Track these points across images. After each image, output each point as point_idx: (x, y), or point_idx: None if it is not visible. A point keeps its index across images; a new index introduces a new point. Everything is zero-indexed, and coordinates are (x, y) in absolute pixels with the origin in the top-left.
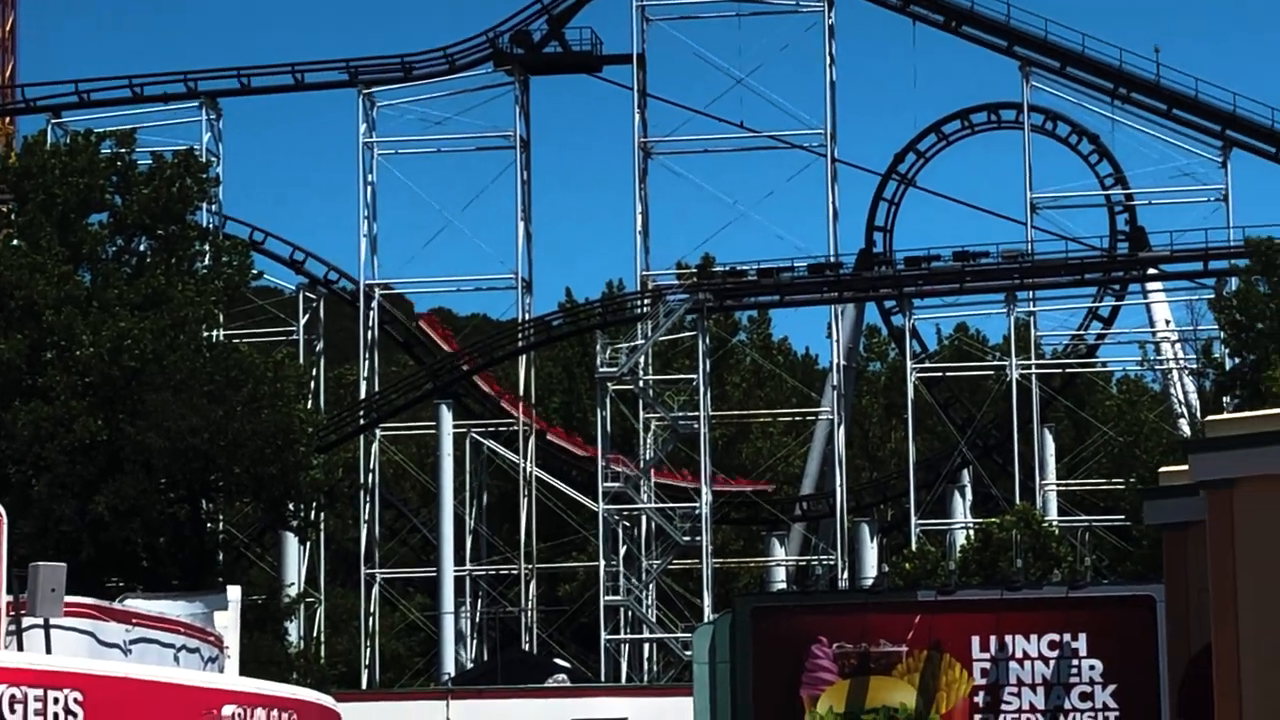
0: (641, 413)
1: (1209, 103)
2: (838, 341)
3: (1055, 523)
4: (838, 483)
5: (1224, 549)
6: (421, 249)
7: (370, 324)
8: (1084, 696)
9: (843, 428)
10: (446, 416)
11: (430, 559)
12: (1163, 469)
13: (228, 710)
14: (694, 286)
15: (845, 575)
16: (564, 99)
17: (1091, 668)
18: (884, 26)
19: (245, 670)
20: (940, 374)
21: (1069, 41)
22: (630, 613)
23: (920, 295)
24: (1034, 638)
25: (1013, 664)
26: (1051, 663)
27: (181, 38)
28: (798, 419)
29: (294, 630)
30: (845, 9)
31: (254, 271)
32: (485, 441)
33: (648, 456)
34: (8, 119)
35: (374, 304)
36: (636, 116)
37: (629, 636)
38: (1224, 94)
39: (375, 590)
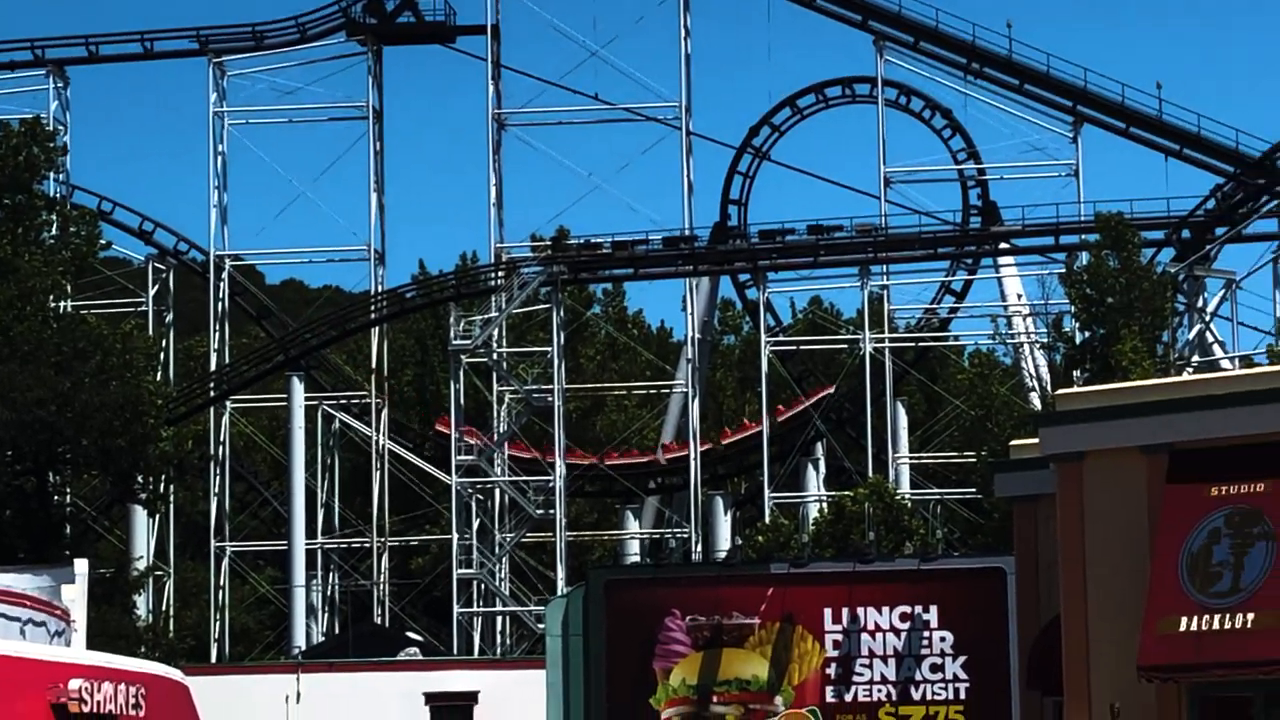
0: (495, 385)
1: (1060, 78)
2: (692, 315)
3: (907, 495)
4: (692, 455)
5: (1073, 521)
6: (273, 220)
7: (220, 295)
8: (935, 668)
9: (697, 401)
10: (298, 388)
11: (281, 532)
12: (1013, 442)
13: (75, 684)
14: (548, 259)
15: (699, 548)
16: (417, 69)
17: (942, 639)
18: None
19: (93, 644)
20: (794, 347)
21: (923, 16)
22: (483, 585)
23: (774, 269)
24: (885, 610)
25: (864, 636)
26: (903, 634)
27: (28, 4)
28: (652, 392)
29: (143, 604)
30: None
31: (102, 242)
32: (337, 414)
33: (501, 429)
34: None
35: (224, 275)
36: (490, 88)
37: (482, 609)
38: (1075, 70)
39: (225, 563)
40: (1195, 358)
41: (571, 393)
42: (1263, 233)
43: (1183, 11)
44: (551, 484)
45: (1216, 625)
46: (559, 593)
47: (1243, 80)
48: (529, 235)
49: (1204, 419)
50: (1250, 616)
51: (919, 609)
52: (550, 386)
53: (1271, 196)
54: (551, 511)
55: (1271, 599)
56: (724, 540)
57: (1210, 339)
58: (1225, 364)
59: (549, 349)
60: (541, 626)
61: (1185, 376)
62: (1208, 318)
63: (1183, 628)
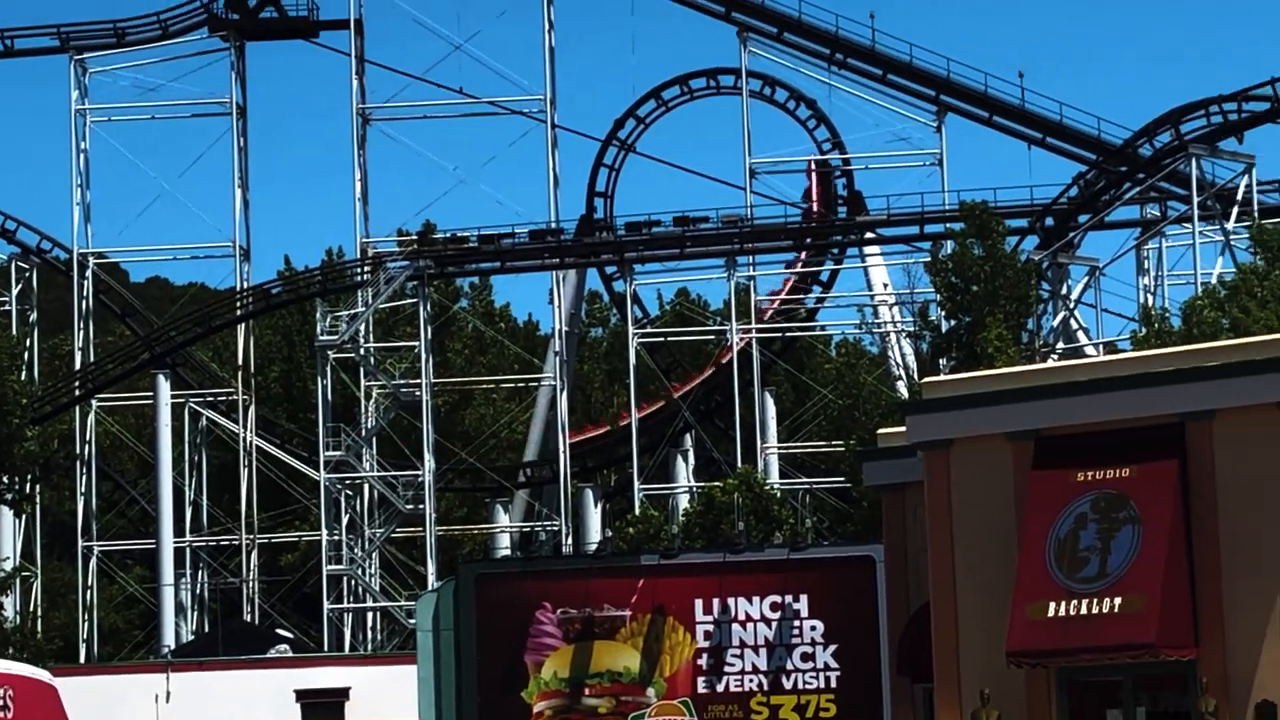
0: (363, 381)
1: (923, 68)
2: (559, 308)
3: (776, 485)
4: (561, 448)
5: (941, 508)
6: (137, 217)
7: (85, 294)
8: (805, 657)
9: (565, 394)
10: (164, 386)
11: (149, 531)
12: (881, 431)
13: None
14: (415, 253)
15: (569, 541)
16: (281, 65)
17: (813, 628)
18: None
19: None
20: (662, 339)
21: (786, 7)
22: (353, 582)
23: (641, 261)
24: (756, 600)
25: (735, 626)
26: (773, 624)
27: None
28: (520, 385)
29: (9, 605)
30: None
31: None
32: (204, 411)
33: (369, 425)
34: None
35: (88, 273)
36: (354, 82)
37: (352, 605)
38: (938, 59)
39: (93, 563)
40: (1060, 345)
41: (439, 387)
42: (1125, 220)
43: (1042, 3)
44: (421, 479)
45: (1084, 610)
46: (429, 587)
47: (1104, 68)
48: (395, 230)
49: (1069, 405)
50: (1118, 601)
51: (789, 598)
52: (418, 381)
53: (1133, 184)
54: (421, 506)
55: (1138, 583)
56: (594, 533)
57: (1074, 326)
58: (1089, 350)
59: (416, 343)
60: (412, 622)
61: (1050, 363)
62: (1072, 305)
63: (1051, 613)
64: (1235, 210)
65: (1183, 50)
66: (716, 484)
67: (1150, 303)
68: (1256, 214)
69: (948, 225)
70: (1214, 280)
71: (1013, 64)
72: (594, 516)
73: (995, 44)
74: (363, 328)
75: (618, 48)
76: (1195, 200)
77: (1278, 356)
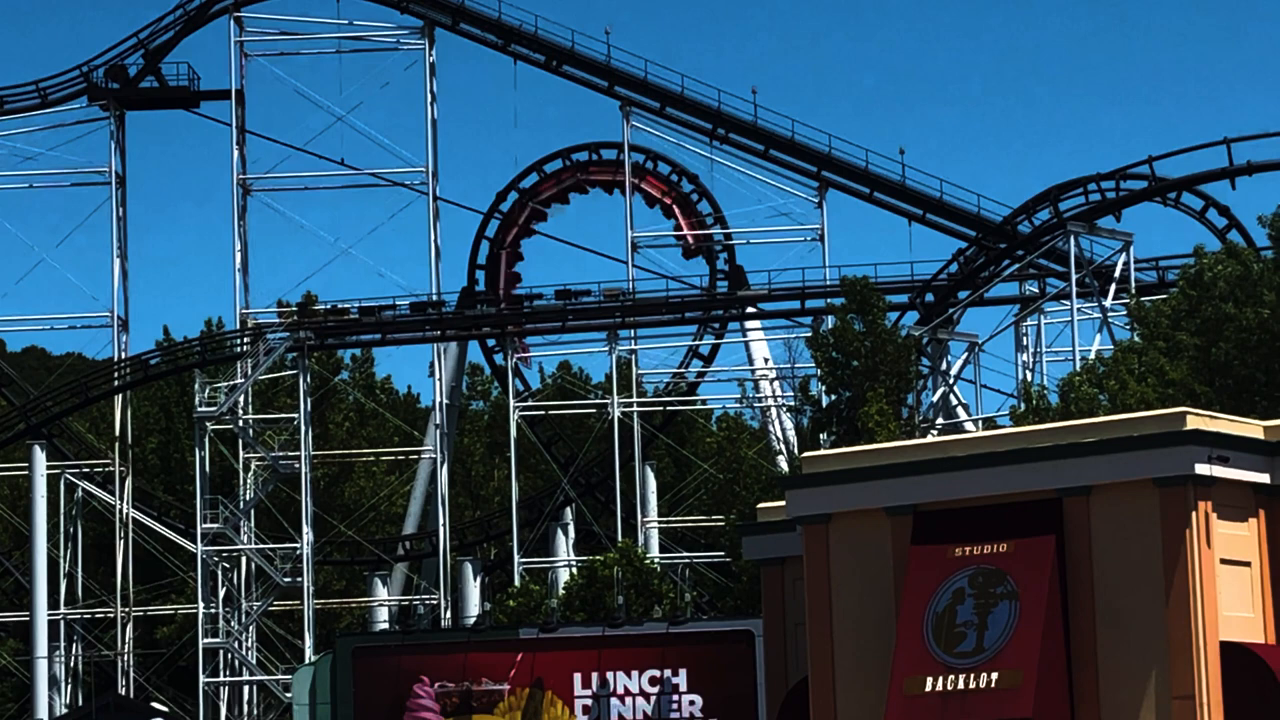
0: (241, 453)
1: (805, 144)
2: (440, 380)
3: (657, 559)
4: (441, 521)
5: (820, 582)
6: (14, 286)
7: None
8: None
9: (445, 466)
10: (39, 457)
11: (23, 602)
12: (761, 505)
13: None
14: (295, 325)
15: (448, 614)
16: (161, 134)
17: (691, 702)
18: (486, 65)
19: None
20: (543, 412)
21: (669, 82)
22: (230, 655)
23: (523, 334)
24: (635, 674)
25: (614, 700)
26: (652, 698)
27: None
28: (401, 458)
29: None
30: (446, 47)
31: None
32: (80, 482)
33: (248, 497)
34: None
35: None
36: (235, 153)
37: (229, 679)
38: (820, 135)
39: None
40: (939, 420)
41: (319, 459)
42: (1004, 296)
43: (924, 79)
44: (299, 551)
45: (961, 685)
46: (306, 661)
47: (983, 146)
48: (275, 301)
49: (947, 481)
50: (995, 676)
51: (668, 672)
52: (297, 453)
53: (1012, 260)
54: (299, 579)
55: (1015, 658)
56: (473, 606)
57: (954, 401)
58: (969, 426)
59: (295, 415)
60: (289, 695)
61: (930, 439)
62: (951, 380)
63: (929, 688)
64: (1113, 287)
65: (1061, 129)
66: (598, 558)
67: (1029, 379)
68: (1134, 291)
69: (829, 300)
70: (1092, 356)
71: (894, 141)
72: (473, 590)
73: (876, 121)
74: (242, 399)
75: (501, 120)
76: (1073, 277)
77: (1154, 433)
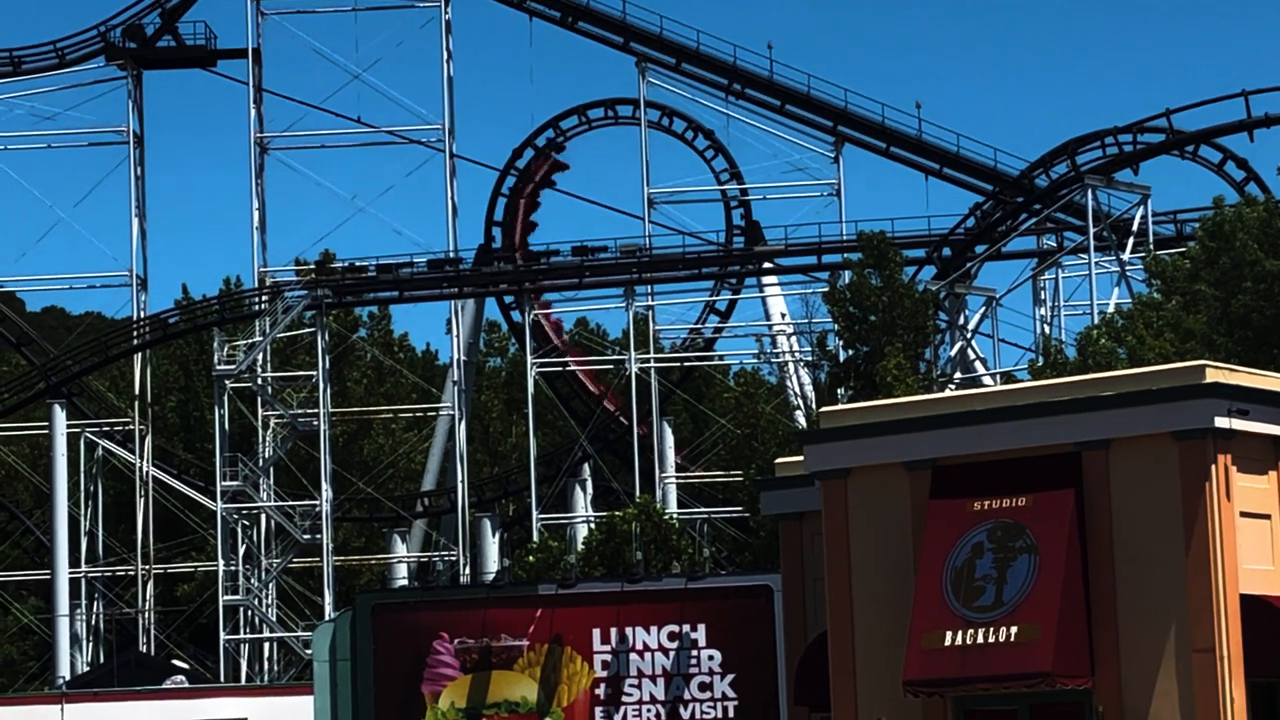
0: (260, 410)
1: (821, 99)
2: (458, 337)
3: (675, 515)
4: (459, 478)
5: (838, 537)
6: (33, 246)
7: None
8: (703, 687)
9: (463, 423)
10: (59, 416)
11: (44, 561)
12: (779, 460)
13: None
14: (313, 283)
15: (467, 571)
16: (179, 94)
17: (710, 658)
18: (501, 22)
19: None
20: (560, 368)
21: (684, 38)
22: (250, 612)
23: (540, 290)
24: (654, 629)
25: (633, 656)
26: (671, 654)
27: None
28: (419, 415)
29: None
30: (461, 5)
31: None
32: (100, 441)
33: (267, 454)
34: None
35: None
36: (252, 111)
37: (249, 636)
38: (836, 90)
39: None
40: (957, 374)
41: (338, 417)
42: (1021, 250)
43: (940, 31)
44: (318, 509)
45: (980, 639)
46: (326, 618)
47: (1000, 100)
48: (293, 259)
49: (966, 435)
50: (1014, 630)
51: (687, 628)
52: (316, 411)
53: (1029, 214)
54: (318, 536)
55: (1034, 612)
56: (492, 562)
57: (972, 356)
58: (986, 380)
59: (314, 373)
60: (309, 652)
61: (947, 393)
62: (969, 335)
63: (947, 642)
64: (1131, 241)
65: (1079, 82)
66: (617, 513)
67: (1047, 333)
68: (1152, 245)
69: (845, 255)
70: (1110, 310)
71: (910, 95)
72: (492, 546)
73: (893, 75)
74: (260, 357)
75: (517, 77)
76: (1091, 231)
77: (1172, 386)
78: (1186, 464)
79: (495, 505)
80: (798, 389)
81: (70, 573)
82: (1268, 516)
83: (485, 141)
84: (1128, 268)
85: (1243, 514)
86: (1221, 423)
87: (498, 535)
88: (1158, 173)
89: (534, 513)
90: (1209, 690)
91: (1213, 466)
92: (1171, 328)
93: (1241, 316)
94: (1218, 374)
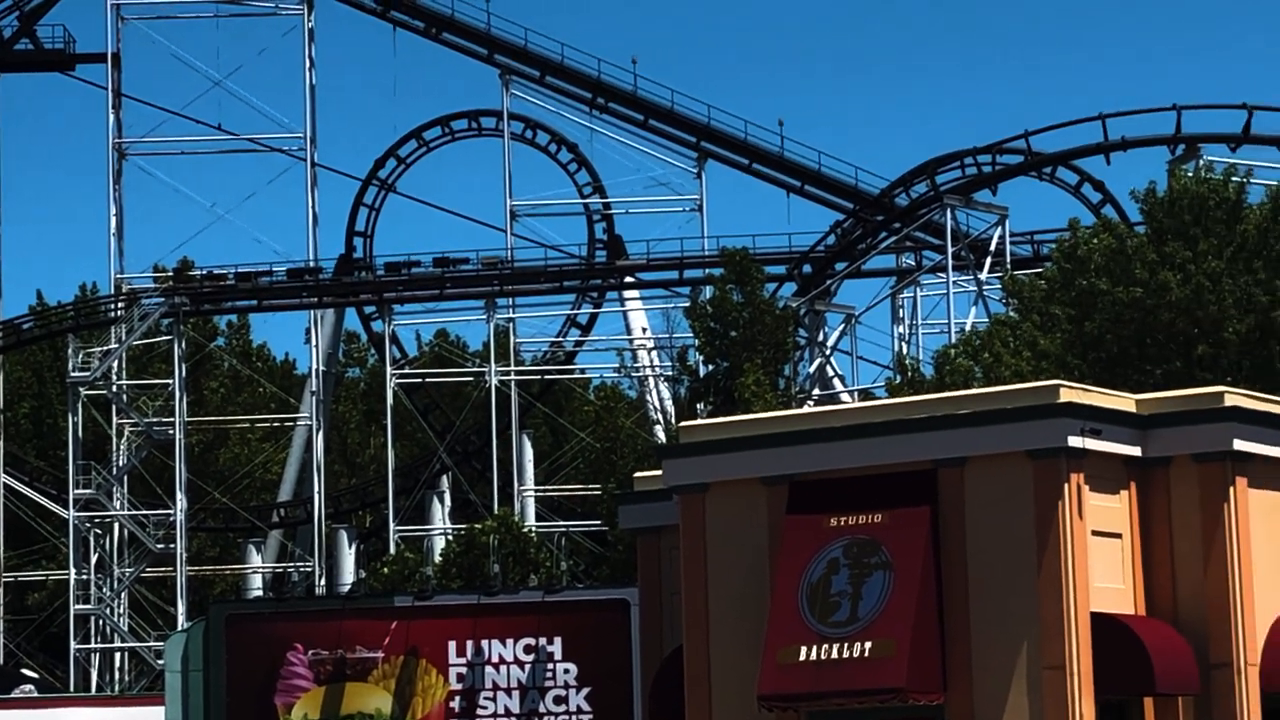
0: (115, 419)
1: (684, 114)
2: (317, 347)
3: (533, 528)
4: (316, 488)
5: (696, 552)
6: None
7: None
8: (559, 700)
9: (321, 434)
10: None
11: None
12: (637, 474)
13: None
14: (170, 290)
15: (322, 582)
16: (37, 98)
17: (566, 671)
18: (365, 31)
19: None
20: (420, 380)
21: (549, 51)
22: (101, 621)
23: (400, 301)
24: (510, 642)
25: (489, 668)
26: (527, 667)
27: None
28: (276, 425)
29: None
30: (325, 13)
31: None
32: None
33: (121, 463)
34: None
35: None
36: (111, 116)
37: (100, 646)
38: (699, 106)
39: None
40: (816, 391)
41: (194, 426)
42: (880, 269)
43: (804, 49)
44: (172, 518)
45: (835, 654)
46: (179, 628)
47: (862, 118)
48: (151, 266)
49: (823, 451)
50: (868, 645)
51: (543, 641)
52: (171, 419)
53: (889, 233)
54: (172, 546)
55: (888, 628)
56: (348, 574)
57: (830, 373)
58: (845, 397)
59: (170, 381)
60: (161, 662)
61: (806, 410)
62: (828, 352)
63: (802, 657)
64: (989, 261)
65: (940, 102)
66: (477, 525)
67: (904, 351)
68: (1009, 265)
69: (707, 271)
70: (967, 329)
71: (773, 112)
72: (348, 558)
73: (756, 92)
74: (116, 364)
75: (380, 87)
76: (949, 250)
77: (1027, 405)
78: (1040, 482)
79: (352, 516)
80: (657, 404)
81: None
82: (1119, 535)
83: (347, 151)
84: (985, 287)
85: (1094, 533)
86: (1075, 442)
87: (354, 547)
88: (1016, 194)
89: (391, 524)
90: (1059, 707)
91: (1066, 485)
92: (1028, 347)
93: (1095, 338)
94: (1072, 394)
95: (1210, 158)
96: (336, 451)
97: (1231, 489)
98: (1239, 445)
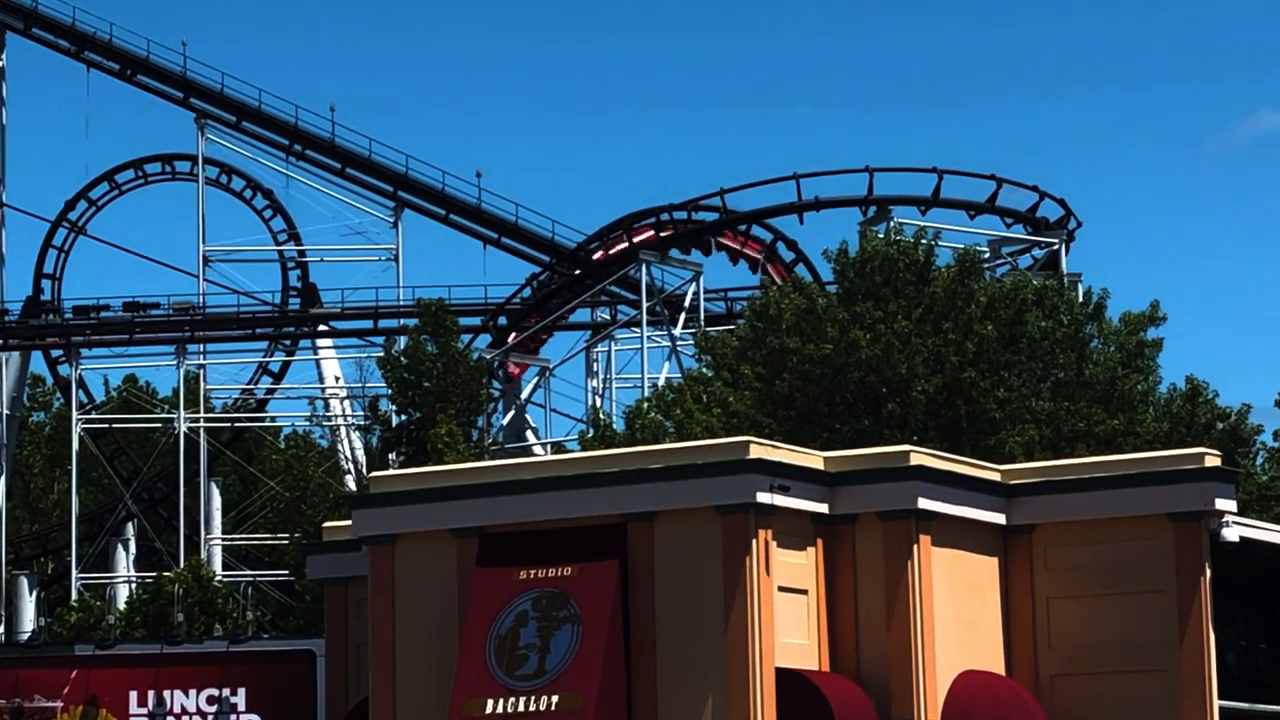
0: None
1: (382, 163)
2: (1, 390)
3: (220, 577)
4: None
5: (384, 603)
6: None
7: None
8: None
9: (3, 479)
10: None
11: None
12: (327, 524)
13: None
14: None
15: (1, 629)
16: None
17: None
18: (58, 71)
19: None
20: (107, 425)
21: (246, 96)
22: None
23: (88, 345)
24: (194, 692)
25: (170, 719)
26: (210, 717)
27: None
28: None
29: None
30: (16, 52)
31: None
32: None
33: None
34: None
35: None
36: None
37: None
38: (397, 155)
39: None
40: (509, 443)
41: None
42: (576, 323)
43: (501, 100)
44: None
45: (522, 707)
46: None
47: (560, 172)
48: None
49: (513, 504)
50: (555, 699)
51: (227, 691)
52: None
53: (585, 287)
54: None
55: (575, 681)
56: (29, 621)
57: (524, 425)
58: (538, 450)
59: None
60: None
61: (497, 462)
62: (522, 404)
63: (489, 709)
64: (683, 316)
65: (637, 158)
66: (165, 574)
67: (598, 404)
68: (702, 321)
69: (402, 321)
70: (661, 384)
71: (471, 164)
72: (29, 605)
73: (454, 143)
74: None
75: (72, 128)
76: (644, 305)
77: (716, 461)
78: (728, 538)
79: (33, 563)
80: (349, 453)
81: None
82: (805, 591)
83: (37, 192)
84: (679, 342)
85: (781, 588)
86: (763, 498)
87: (34, 594)
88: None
89: (74, 571)
90: None
91: (754, 540)
92: (719, 404)
93: (786, 396)
94: (761, 450)
95: (900, 219)
96: (19, 496)
97: (915, 546)
98: (923, 504)
